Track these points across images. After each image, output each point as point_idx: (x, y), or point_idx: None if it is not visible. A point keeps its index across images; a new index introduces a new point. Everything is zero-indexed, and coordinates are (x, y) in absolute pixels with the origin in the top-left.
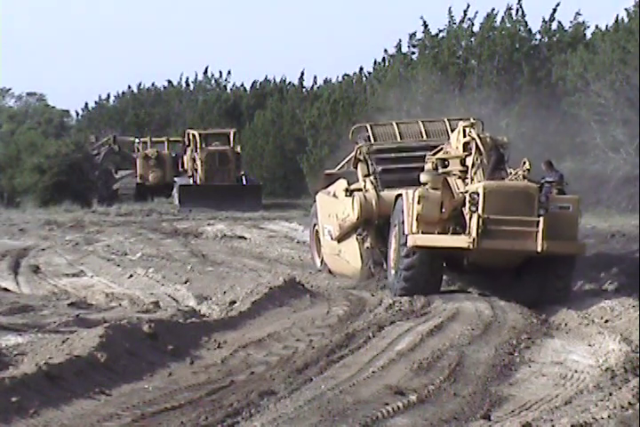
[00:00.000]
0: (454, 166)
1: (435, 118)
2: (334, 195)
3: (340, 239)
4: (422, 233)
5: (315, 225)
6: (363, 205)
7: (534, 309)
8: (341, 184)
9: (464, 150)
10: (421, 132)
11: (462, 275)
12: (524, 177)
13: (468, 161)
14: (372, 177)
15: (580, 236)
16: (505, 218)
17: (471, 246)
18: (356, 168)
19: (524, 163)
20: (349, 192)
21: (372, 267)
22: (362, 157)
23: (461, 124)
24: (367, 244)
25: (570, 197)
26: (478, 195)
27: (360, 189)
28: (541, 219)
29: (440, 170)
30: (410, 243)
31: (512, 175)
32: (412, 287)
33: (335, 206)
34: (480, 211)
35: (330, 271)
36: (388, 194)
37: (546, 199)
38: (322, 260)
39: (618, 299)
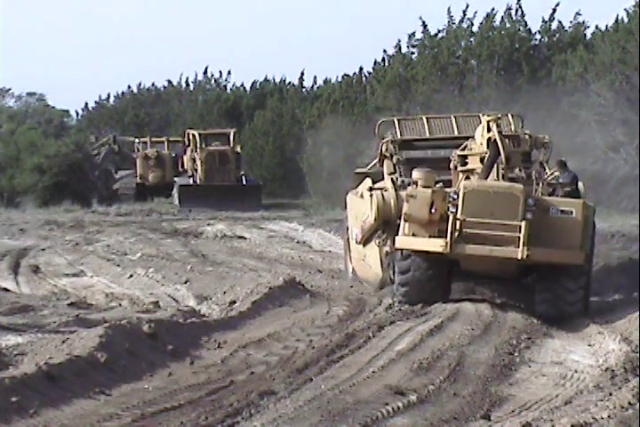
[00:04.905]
0: (474, 164)
1: (469, 113)
2: (361, 195)
3: (364, 243)
4: (413, 235)
5: (347, 229)
6: (380, 206)
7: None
8: (367, 183)
9: (487, 147)
10: (453, 129)
11: (476, 285)
12: (529, 176)
13: (486, 159)
14: (394, 175)
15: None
16: (485, 221)
17: (445, 251)
18: (382, 165)
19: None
20: (371, 191)
21: (392, 273)
22: (387, 154)
23: (485, 118)
24: (386, 248)
25: (573, 201)
26: (458, 195)
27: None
28: (523, 223)
29: (459, 168)
30: (396, 245)
31: (547, 176)
32: (409, 298)
33: (360, 207)
34: (458, 213)
35: (360, 281)
36: None
37: (534, 202)
38: (353, 267)
39: (618, 299)
